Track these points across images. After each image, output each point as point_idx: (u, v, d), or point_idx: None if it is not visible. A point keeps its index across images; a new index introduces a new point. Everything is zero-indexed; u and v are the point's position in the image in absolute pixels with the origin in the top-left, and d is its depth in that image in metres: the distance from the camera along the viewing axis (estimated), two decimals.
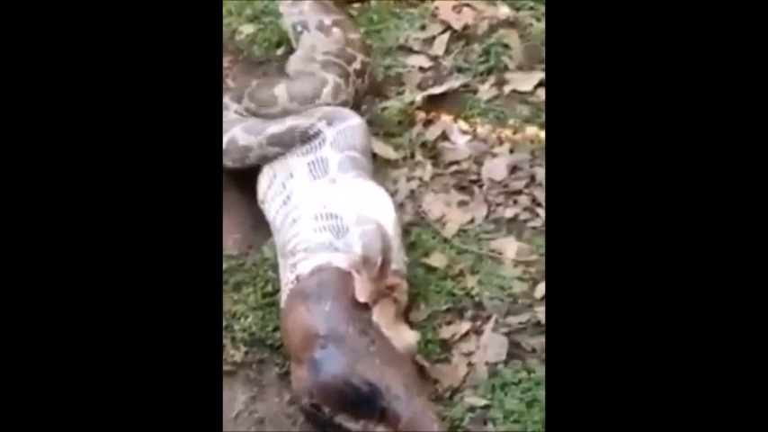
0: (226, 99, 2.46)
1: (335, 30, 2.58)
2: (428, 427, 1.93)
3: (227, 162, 2.38)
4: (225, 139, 2.37)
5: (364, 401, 1.96)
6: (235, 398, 2.12)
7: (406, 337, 2.09)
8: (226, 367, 2.15)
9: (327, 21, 2.60)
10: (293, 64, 2.56)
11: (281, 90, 2.42)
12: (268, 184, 2.32)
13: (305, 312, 2.06)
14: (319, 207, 2.20)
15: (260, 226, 2.33)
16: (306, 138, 2.32)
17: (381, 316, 2.07)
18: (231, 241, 2.35)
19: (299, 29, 2.63)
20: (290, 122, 2.34)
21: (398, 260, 2.15)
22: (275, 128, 2.35)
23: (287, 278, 2.15)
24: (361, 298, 2.06)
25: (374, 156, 2.44)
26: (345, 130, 2.33)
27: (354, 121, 2.36)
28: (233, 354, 2.17)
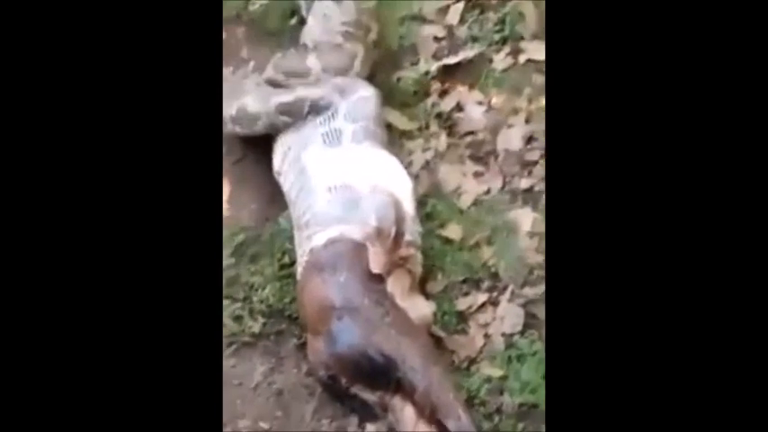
0: (246, 69, 2.45)
1: None
2: (444, 398, 1.94)
3: (237, 128, 2.39)
4: (236, 106, 2.38)
5: (380, 372, 1.99)
6: (253, 369, 2.15)
7: (421, 308, 2.11)
8: (244, 338, 2.18)
9: None
10: (309, 34, 2.54)
11: (313, 62, 2.41)
12: (283, 156, 2.32)
13: (320, 284, 2.07)
14: (333, 179, 2.20)
15: (276, 197, 2.33)
16: (317, 109, 2.31)
17: (395, 287, 2.08)
18: (248, 213, 2.36)
19: None
20: (299, 92, 2.34)
21: (412, 231, 2.16)
22: (284, 97, 2.34)
23: (302, 250, 2.16)
24: (375, 269, 2.06)
25: (389, 127, 2.43)
26: (358, 100, 2.32)
27: (367, 91, 2.34)
28: (251, 325, 2.19)
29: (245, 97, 2.38)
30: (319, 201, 2.18)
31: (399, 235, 2.09)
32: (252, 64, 2.46)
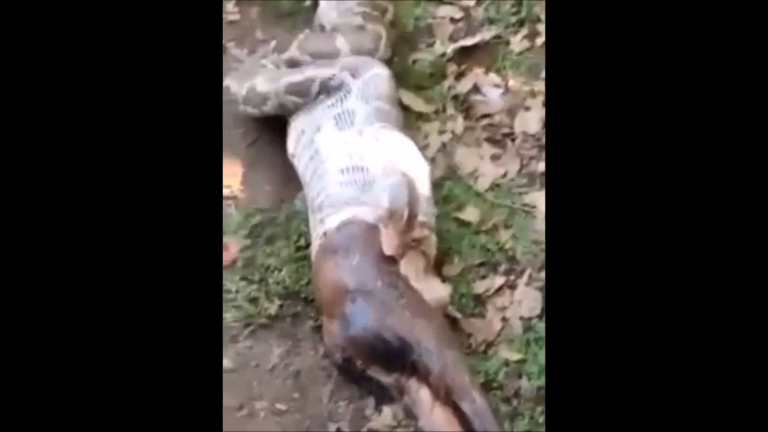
0: (267, 49, 2.44)
1: None
2: (459, 380, 1.93)
3: (249, 109, 2.39)
4: (246, 86, 2.37)
5: (395, 355, 1.98)
6: (270, 351, 2.14)
7: (436, 290, 2.10)
8: (260, 320, 2.17)
9: None
10: (325, 15, 2.52)
11: (342, 43, 2.38)
12: (297, 139, 2.30)
13: (334, 268, 2.06)
14: (346, 160, 2.18)
15: (291, 179, 2.31)
16: (328, 89, 2.29)
17: (409, 269, 2.07)
18: (263, 194, 2.35)
19: None
20: (308, 72, 2.32)
21: (426, 212, 2.14)
22: (293, 77, 2.32)
23: (316, 233, 2.15)
24: (388, 251, 2.05)
25: (405, 109, 2.41)
26: (370, 80, 2.29)
27: (379, 70, 2.32)
28: (267, 307, 2.18)
29: (257, 77, 2.37)
30: (332, 183, 2.17)
31: (412, 216, 2.07)
32: (273, 43, 2.44)
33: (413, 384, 1.98)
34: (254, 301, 2.19)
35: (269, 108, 2.36)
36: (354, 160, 2.18)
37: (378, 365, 2.02)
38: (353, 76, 2.29)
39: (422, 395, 1.97)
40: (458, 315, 2.14)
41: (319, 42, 2.41)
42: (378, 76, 2.30)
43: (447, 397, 1.93)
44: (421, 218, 2.10)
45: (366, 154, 2.18)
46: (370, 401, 2.06)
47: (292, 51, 2.40)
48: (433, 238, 2.15)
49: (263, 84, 2.35)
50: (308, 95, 2.30)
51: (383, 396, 2.05)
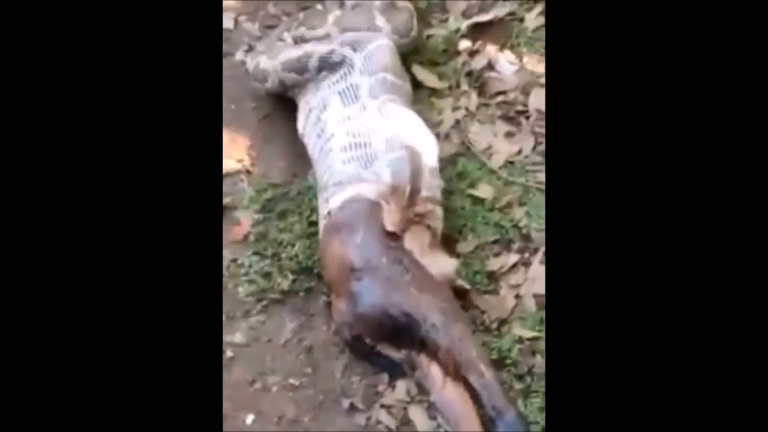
0: (292, 24, 2.42)
1: None
2: (467, 354, 1.92)
3: (257, 84, 2.39)
4: (254, 62, 2.37)
5: (403, 331, 1.97)
6: (283, 326, 2.13)
7: (443, 264, 2.08)
8: (273, 295, 2.16)
9: None
10: None
11: (382, 21, 2.36)
12: (305, 118, 2.28)
13: (339, 246, 2.05)
14: (349, 137, 2.17)
15: (304, 154, 2.30)
16: (330, 65, 2.26)
17: (413, 244, 2.05)
18: (276, 169, 2.34)
19: None
20: (306, 48, 2.30)
21: (431, 186, 2.12)
22: (291, 53, 2.31)
23: (322, 212, 2.15)
24: (390, 227, 2.04)
25: (418, 85, 2.40)
26: (373, 52, 2.26)
27: (379, 42, 2.28)
28: (280, 282, 2.17)
29: (264, 54, 2.35)
30: (336, 161, 2.15)
31: (415, 191, 2.06)
32: (301, 16, 2.42)
33: (423, 360, 1.98)
34: (266, 275, 2.18)
35: (270, 85, 2.35)
36: (357, 137, 2.16)
37: (386, 342, 2.01)
38: (355, 50, 2.26)
39: (433, 370, 1.97)
40: (467, 286, 2.11)
41: (357, 19, 2.39)
42: (381, 47, 2.27)
43: (457, 372, 1.93)
44: (425, 192, 2.09)
45: (369, 129, 2.16)
46: (384, 377, 2.05)
47: (328, 28, 2.38)
48: (439, 212, 2.14)
49: (265, 60, 2.34)
50: (306, 72, 2.28)
51: (395, 371, 2.04)
